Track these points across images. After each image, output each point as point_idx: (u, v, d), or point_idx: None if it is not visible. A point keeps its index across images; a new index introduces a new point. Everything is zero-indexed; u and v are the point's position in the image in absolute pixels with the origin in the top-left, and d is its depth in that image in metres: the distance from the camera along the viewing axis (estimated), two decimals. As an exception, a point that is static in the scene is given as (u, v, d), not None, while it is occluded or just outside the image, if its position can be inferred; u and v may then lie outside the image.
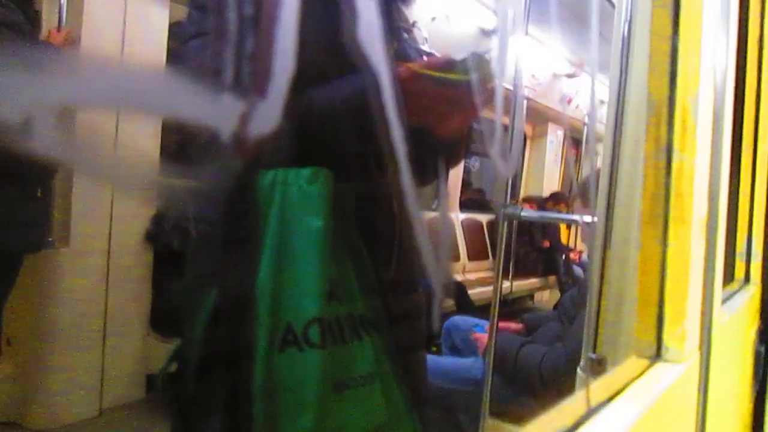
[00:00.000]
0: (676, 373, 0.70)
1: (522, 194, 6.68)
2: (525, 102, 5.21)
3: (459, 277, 5.25)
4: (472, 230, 6.10)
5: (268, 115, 0.45)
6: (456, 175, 5.87)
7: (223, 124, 0.43)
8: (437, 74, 0.76)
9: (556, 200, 6.12)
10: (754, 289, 1.67)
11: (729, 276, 1.54)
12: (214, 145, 0.48)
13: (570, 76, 6.01)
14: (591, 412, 0.53)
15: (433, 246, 0.50)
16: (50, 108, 0.28)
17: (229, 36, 0.65)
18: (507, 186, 1.75)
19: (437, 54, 0.81)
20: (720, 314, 1.02)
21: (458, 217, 5.97)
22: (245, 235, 0.76)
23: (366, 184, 0.86)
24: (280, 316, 0.72)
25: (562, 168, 7.61)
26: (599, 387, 0.61)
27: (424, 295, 1.02)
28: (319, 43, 0.86)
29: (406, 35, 1.00)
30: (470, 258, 5.91)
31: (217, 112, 0.42)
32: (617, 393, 0.59)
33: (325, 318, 0.74)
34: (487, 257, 6.12)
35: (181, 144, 0.78)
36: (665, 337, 0.72)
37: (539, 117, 6.48)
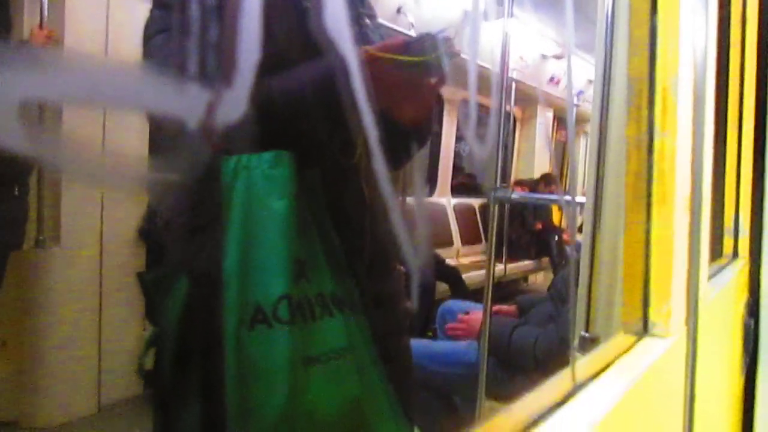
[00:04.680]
0: (662, 347, 0.72)
1: (513, 177, 6.69)
2: (513, 84, 5.21)
3: (452, 262, 5.27)
4: (464, 215, 6.11)
5: (235, 103, 0.46)
6: (447, 159, 5.88)
7: (190, 115, 0.44)
8: (392, 57, 0.77)
9: (547, 182, 6.14)
10: (743, 263, 1.69)
11: (717, 252, 1.56)
12: (182, 135, 0.49)
13: (558, 57, 6.01)
14: (578, 388, 0.54)
15: (409, 231, 0.51)
16: (14, 103, 0.28)
17: (192, 27, 0.66)
18: (496, 169, 1.76)
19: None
20: (707, 289, 1.03)
21: (450, 201, 5.99)
22: (211, 221, 0.78)
23: (332, 169, 0.88)
24: (249, 297, 0.74)
25: (553, 150, 7.62)
26: (587, 363, 0.62)
27: (403, 278, 1.04)
28: (285, 30, 0.87)
29: (368, 21, 1.02)
30: (463, 242, 5.93)
31: (183, 102, 0.43)
32: (604, 368, 0.61)
33: (294, 296, 0.76)
34: (480, 241, 6.14)
35: (151, 137, 0.80)
36: (651, 313, 0.74)
37: (528, 99, 6.48)
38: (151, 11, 0.88)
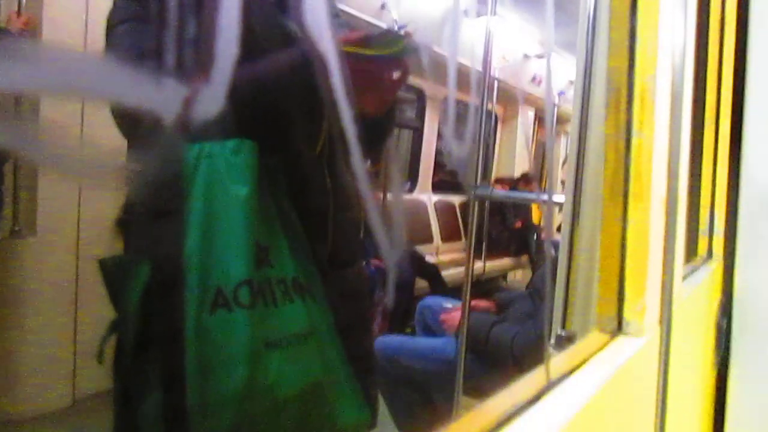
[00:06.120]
0: (636, 346, 0.72)
1: (494, 175, 6.73)
2: (495, 83, 5.23)
3: (432, 259, 5.28)
4: (445, 212, 6.13)
5: (212, 98, 0.46)
6: (428, 156, 5.88)
7: (166, 108, 0.43)
8: (352, 49, 0.77)
9: (527, 180, 6.18)
10: (716, 263, 1.71)
11: (692, 252, 1.58)
12: (157, 128, 0.49)
13: (540, 56, 6.04)
14: (552, 385, 0.54)
15: (386, 226, 0.51)
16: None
17: (163, 19, 0.66)
18: (477, 167, 1.77)
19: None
20: (681, 289, 1.04)
21: (431, 198, 6.00)
22: (172, 208, 0.78)
23: (294, 158, 0.89)
24: (209, 282, 0.74)
25: (533, 148, 7.68)
26: (561, 361, 0.62)
27: (365, 267, 1.07)
28: (265, 27, 0.88)
29: (333, 17, 1.04)
30: (443, 239, 5.95)
31: (158, 96, 0.42)
32: (578, 366, 0.61)
33: (255, 280, 0.76)
34: (460, 238, 6.17)
35: (126, 129, 0.80)
36: (625, 311, 0.74)
37: (510, 98, 6.51)
38: (115, 1, 0.88)
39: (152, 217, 0.82)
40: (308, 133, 0.90)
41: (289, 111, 0.82)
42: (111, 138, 0.76)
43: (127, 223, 0.92)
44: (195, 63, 0.57)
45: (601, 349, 0.69)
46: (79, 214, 2.65)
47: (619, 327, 0.75)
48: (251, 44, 0.51)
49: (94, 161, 0.40)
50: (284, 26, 0.90)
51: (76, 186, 2.61)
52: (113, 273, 0.83)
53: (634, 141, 0.75)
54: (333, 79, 0.49)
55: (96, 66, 0.39)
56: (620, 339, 0.73)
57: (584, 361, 0.63)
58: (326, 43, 0.49)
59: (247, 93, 0.75)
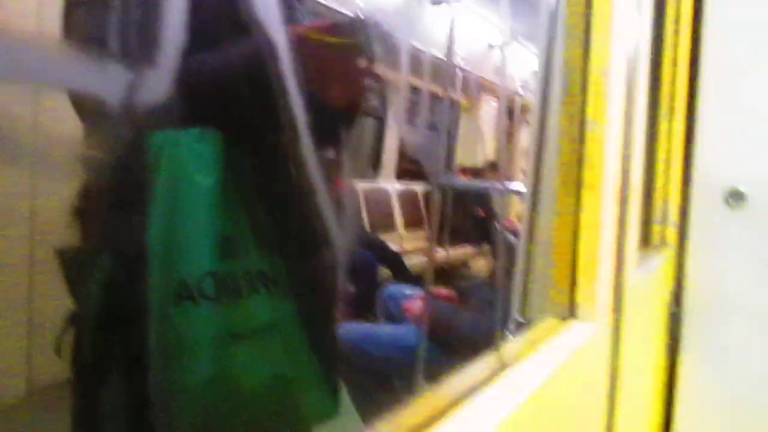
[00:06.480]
0: (588, 330, 0.75)
1: (458, 164, 6.76)
2: (460, 73, 5.26)
3: (395, 247, 5.30)
4: (408, 200, 6.15)
5: (157, 83, 0.45)
6: (392, 145, 5.89)
7: (110, 93, 0.43)
8: (320, 38, 0.77)
9: (492, 170, 6.23)
10: (670, 252, 1.76)
11: (646, 240, 1.63)
12: (102, 113, 0.48)
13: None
14: (504, 368, 0.56)
15: (337, 212, 0.51)
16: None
17: (113, 5, 0.65)
18: (440, 156, 1.78)
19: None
20: (634, 276, 1.07)
21: (395, 186, 6.01)
22: (134, 197, 0.77)
23: (259, 148, 0.88)
24: (174, 274, 0.73)
25: (497, 138, 7.74)
26: (515, 346, 0.64)
27: (330, 257, 1.06)
28: (214, 12, 0.86)
29: (298, 3, 1.02)
30: (407, 228, 5.97)
31: (103, 81, 0.42)
32: (531, 350, 0.63)
33: (220, 272, 0.75)
34: (423, 227, 6.19)
35: (81, 114, 0.78)
36: (578, 297, 0.76)
37: (474, 88, 6.54)
38: None
39: (113, 206, 0.81)
40: (271, 121, 0.89)
41: (247, 99, 0.81)
42: (66, 125, 0.74)
43: (85, 212, 0.90)
44: (140, 47, 0.56)
45: (554, 334, 0.71)
46: (34, 201, 2.58)
47: (571, 312, 0.77)
48: (203, 30, 0.51)
49: (47, 149, 0.40)
50: (237, 12, 0.89)
51: (30, 173, 2.54)
52: (72, 264, 0.81)
53: (588, 132, 0.77)
54: (283, 67, 0.49)
55: (43, 51, 0.38)
56: (573, 324, 0.76)
57: (537, 346, 0.65)
58: (277, 29, 0.49)
59: (203, 81, 0.74)
